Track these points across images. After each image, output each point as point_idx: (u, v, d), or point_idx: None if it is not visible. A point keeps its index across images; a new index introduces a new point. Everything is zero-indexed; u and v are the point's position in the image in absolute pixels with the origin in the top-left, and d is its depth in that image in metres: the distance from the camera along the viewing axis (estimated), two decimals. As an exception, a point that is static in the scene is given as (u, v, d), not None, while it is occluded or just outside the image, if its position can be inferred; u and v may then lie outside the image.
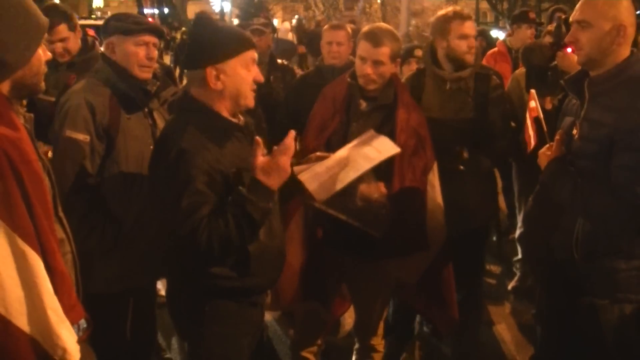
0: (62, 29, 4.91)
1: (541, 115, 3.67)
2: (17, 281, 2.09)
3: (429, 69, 4.52)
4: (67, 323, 2.22)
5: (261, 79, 3.10)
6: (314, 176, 3.31)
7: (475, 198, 4.40)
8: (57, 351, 2.18)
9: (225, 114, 3.06)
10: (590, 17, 3.17)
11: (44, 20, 2.35)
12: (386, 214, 3.60)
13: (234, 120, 3.09)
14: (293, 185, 3.28)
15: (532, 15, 7.59)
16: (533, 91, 3.84)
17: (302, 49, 13.20)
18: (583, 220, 3.17)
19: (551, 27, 6.55)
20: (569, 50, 4.56)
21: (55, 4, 5.12)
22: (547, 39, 6.15)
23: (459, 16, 4.45)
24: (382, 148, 3.55)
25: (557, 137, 3.33)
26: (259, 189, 2.88)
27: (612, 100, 3.13)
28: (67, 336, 2.21)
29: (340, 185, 3.29)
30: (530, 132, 3.87)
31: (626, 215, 3.04)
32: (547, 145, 3.39)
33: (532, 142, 3.85)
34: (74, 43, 4.95)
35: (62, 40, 4.89)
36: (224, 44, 3.02)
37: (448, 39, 4.42)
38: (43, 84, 2.51)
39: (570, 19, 3.32)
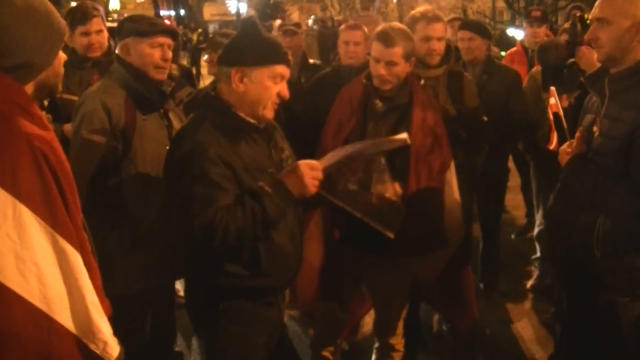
0: (99, 22, 4.96)
1: (561, 112, 3.66)
2: (59, 278, 2.12)
3: None
4: (105, 317, 2.26)
5: (286, 95, 3.13)
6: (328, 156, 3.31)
7: None
8: (99, 345, 2.22)
9: (245, 116, 3.10)
10: (609, 14, 3.16)
11: (64, 23, 2.38)
12: (400, 215, 3.59)
13: (251, 120, 3.11)
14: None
15: (534, 13, 7.54)
16: (553, 88, 3.83)
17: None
18: (604, 217, 3.16)
19: (567, 25, 6.53)
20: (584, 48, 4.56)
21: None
22: (563, 37, 6.14)
23: (425, 17, 4.52)
24: (393, 137, 3.55)
25: (577, 134, 3.32)
26: (280, 189, 2.95)
27: (632, 97, 3.12)
28: (107, 330, 2.26)
29: (343, 153, 3.28)
30: (552, 129, 3.86)
31: None
32: (568, 143, 3.38)
33: (554, 140, 3.84)
34: (105, 39, 4.98)
35: (98, 32, 4.94)
36: (257, 50, 3.08)
37: (414, 39, 4.47)
38: (60, 85, 2.54)
39: (590, 17, 3.31)
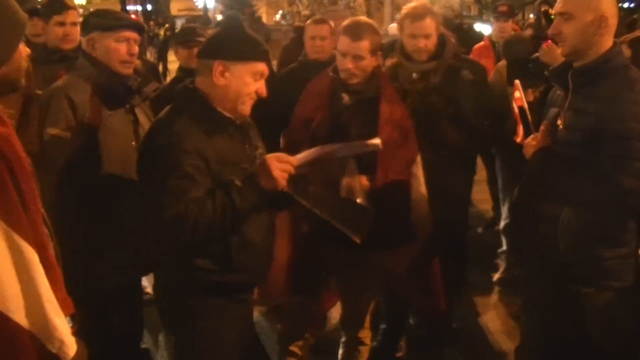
0: (75, 14, 4.93)
1: (526, 106, 3.69)
2: (14, 276, 2.09)
3: (399, 60, 4.63)
4: (63, 316, 2.22)
5: (264, 94, 3.14)
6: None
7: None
8: (55, 343, 2.18)
9: (222, 110, 3.10)
10: (572, 8, 3.19)
11: (24, 15, 2.34)
12: (369, 220, 3.60)
13: (228, 115, 3.12)
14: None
15: (501, 8, 7.61)
16: (517, 82, 3.87)
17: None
18: (568, 208, 3.19)
19: (532, 20, 6.60)
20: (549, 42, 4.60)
21: None
22: (528, 32, 6.19)
23: (411, 15, 4.57)
24: (366, 142, 3.54)
25: (542, 127, 3.35)
26: (250, 183, 2.94)
27: (596, 90, 3.16)
28: (64, 328, 2.22)
29: (315, 153, 3.24)
30: (518, 121, 3.88)
31: (610, 204, 3.07)
32: (532, 136, 3.42)
33: (520, 132, 3.87)
34: (78, 34, 4.95)
35: (73, 24, 4.91)
36: (240, 45, 3.10)
37: (403, 35, 4.58)
38: (23, 80, 2.51)
39: (553, 12, 3.34)
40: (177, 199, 2.85)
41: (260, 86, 3.13)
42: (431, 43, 4.59)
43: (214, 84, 3.07)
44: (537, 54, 4.56)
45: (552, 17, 5.55)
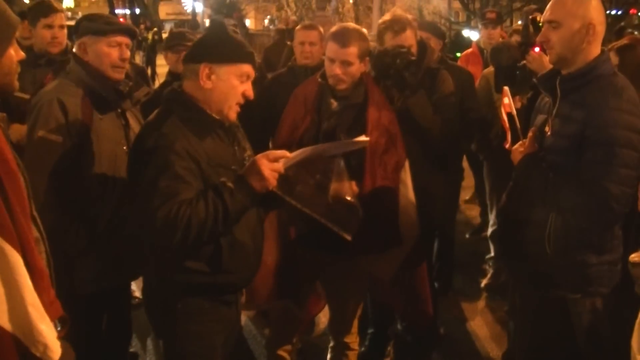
0: (62, 17, 4.90)
1: (514, 112, 3.71)
2: None
3: None
4: (48, 319, 2.21)
5: (251, 95, 3.15)
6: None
7: None
8: (39, 347, 2.18)
9: (208, 111, 3.11)
10: (559, 16, 3.22)
11: (15, 18, 2.34)
12: (358, 217, 3.60)
13: (216, 117, 3.12)
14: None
15: (489, 15, 7.63)
16: (506, 88, 3.89)
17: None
18: (555, 214, 3.21)
19: (518, 26, 6.62)
20: (537, 49, 4.62)
21: None
22: (515, 38, 6.21)
23: (391, 29, 4.56)
24: (354, 140, 3.54)
25: (530, 133, 3.38)
26: (242, 184, 2.95)
27: (582, 97, 3.18)
28: (48, 332, 2.21)
29: (303, 154, 3.22)
30: (506, 125, 3.89)
31: (596, 210, 3.08)
32: (520, 142, 3.44)
33: (509, 139, 3.88)
34: (65, 37, 4.93)
35: (61, 27, 4.89)
36: (225, 48, 3.12)
37: (384, 46, 4.56)
38: (17, 83, 2.50)
39: (541, 20, 3.36)
40: (168, 201, 2.86)
41: (247, 88, 3.14)
42: (412, 52, 4.62)
43: (201, 87, 3.08)
44: (524, 61, 4.58)
45: (540, 24, 5.58)
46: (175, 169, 2.90)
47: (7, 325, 2.11)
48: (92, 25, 3.80)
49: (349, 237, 3.54)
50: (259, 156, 3.01)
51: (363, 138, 3.50)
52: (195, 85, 3.10)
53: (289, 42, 11.48)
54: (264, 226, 3.64)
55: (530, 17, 5.35)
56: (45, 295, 2.22)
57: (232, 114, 3.14)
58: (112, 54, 3.79)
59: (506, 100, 3.83)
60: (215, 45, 3.14)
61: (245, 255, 3.18)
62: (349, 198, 3.51)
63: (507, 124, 3.74)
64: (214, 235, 2.99)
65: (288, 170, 3.10)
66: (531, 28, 4.76)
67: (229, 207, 2.91)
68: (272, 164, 2.98)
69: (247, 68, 3.13)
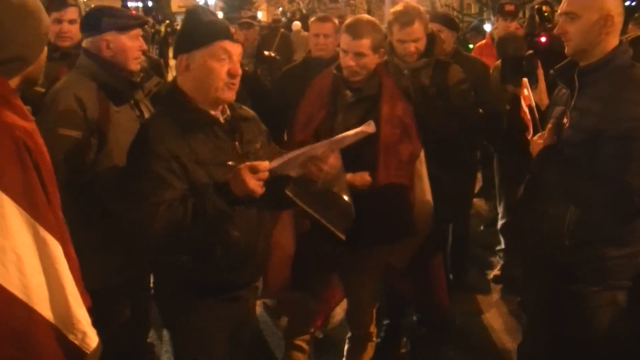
0: (74, 11, 4.88)
1: (533, 104, 3.69)
2: (39, 268, 2.12)
3: (388, 58, 4.65)
4: (84, 308, 2.26)
5: (237, 72, 3.08)
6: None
7: None
8: (78, 335, 2.22)
9: (202, 105, 3.10)
10: (577, 8, 3.20)
11: (47, 16, 2.40)
12: (351, 216, 3.58)
13: (209, 112, 3.12)
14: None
15: (507, 7, 7.61)
16: (525, 80, 3.86)
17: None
18: (573, 208, 3.20)
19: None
20: (543, 39, 4.61)
21: None
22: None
23: (398, 21, 4.61)
24: (348, 137, 3.39)
25: (549, 125, 3.36)
26: (223, 192, 2.91)
27: (600, 89, 3.17)
28: (86, 320, 2.25)
29: (288, 156, 3.14)
30: (528, 117, 3.85)
31: (616, 203, 3.07)
32: (539, 134, 3.43)
33: (531, 130, 3.86)
34: (77, 31, 4.93)
35: (71, 21, 4.85)
36: (194, 34, 3.09)
37: (392, 38, 4.63)
38: (42, 76, 2.54)
39: (558, 11, 3.35)
40: (146, 201, 2.88)
41: (231, 67, 3.05)
42: (421, 45, 4.67)
43: (186, 79, 3.09)
44: (530, 52, 4.55)
45: (545, 14, 5.55)
46: (156, 170, 2.91)
47: (48, 314, 2.15)
48: (115, 21, 3.80)
49: (343, 237, 3.54)
50: (242, 167, 2.89)
51: (364, 128, 3.41)
52: (182, 79, 3.12)
53: (282, 30, 11.65)
54: (283, 217, 3.65)
55: (536, 7, 5.33)
56: (78, 284, 2.26)
57: (225, 94, 3.09)
58: (135, 47, 3.83)
59: (525, 91, 3.80)
60: (185, 34, 3.15)
61: (242, 253, 3.17)
62: (345, 197, 3.50)
63: (528, 116, 3.71)
64: (194, 238, 2.99)
65: (274, 172, 3.02)
66: (537, 18, 4.74)
67: (208, 213, 2.89)
68: (257, 175, 2.88)
69: (223, 45, 3.03)
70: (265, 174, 2.91)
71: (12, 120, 2.11)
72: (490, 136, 6.10)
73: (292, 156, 3.12)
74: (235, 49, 3.09)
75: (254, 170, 2.87)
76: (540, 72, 4.11)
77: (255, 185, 2.87)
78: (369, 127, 3.38)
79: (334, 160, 3.36)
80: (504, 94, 4.92)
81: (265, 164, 2.92)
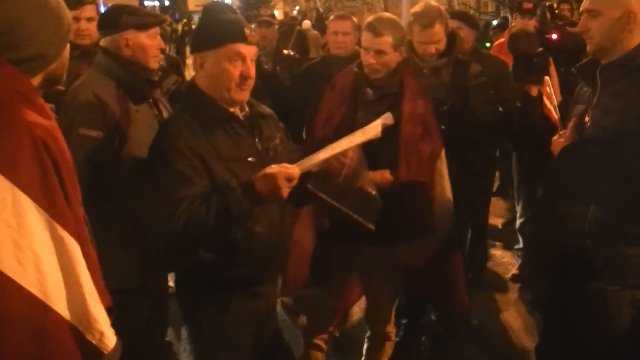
0: (91, 9, 4.88)
1: (555, 102, 3.67)
2: (57, 267, 2.11)
3: (408, 56, 4.61)
4: (102, 307, 2.24)
5: (250, 74, 3.08)
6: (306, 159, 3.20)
7: None
8: (95, 334, 2.21)
9: (221, 102, 3.11)
10: (599, 5, 3.19)
11: (70, 15, 2.40)
12: (377, 207, 3.58)
13: (229, 109, 3.13)
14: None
15: (526, 5, 7.58)
16: (547, 78, 3.84)
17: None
18: (595, 206, 3.19)
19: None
20: (554, 37, 4.58)
21: None
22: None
23: (419, 23, 4.61)
24: (368, 130, 3.37)
25: (570, 124, 3.34)
26: (248, 191, 2.89)
27: (622, 87, 3.15)
28: (104, 320, 2.24)
29: (316, 159, 3.12)
30: (555, 116, 3.82)
31: (635, 202, 3.05)
32: (561, 132, 3.41)
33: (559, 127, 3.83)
34: (94, 29, 4.94)
35: (89, 19, 4.84)
36: (211, 33, 3.10)
37: (412, 39, 4.62)
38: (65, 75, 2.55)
39: (580, 9, 3.33)
40: (167, 198, 2.89)
41: (244, 68, 3.05)
42: (441, 45, 4.67)
43: (201, 77, 3.12)
44: (541, 49, 4.52)
45: (557, 11, 5.51)
46: (178, 167, 2.92)
47: (65, 313, 2.13)
48: (135, 20, 3.79)
49: (372, 227, 3.54)
50: (279, 173, 2.85)
51: (381, 120, 3.36)
52: (198, 76, 3.15)
53: (298, 27, 11.68)
54: (302, 214, 3.65)
55: (547, 4, 5.31)
56: (97, 283, 2.25)
57: (238, 95, 3.09)
58: (154, 45, 3.83)
59: (548, 89, 3.78)
60: (202, 33, 3.17)
61: (264, 249, 3.17)
62: (370, 189, 3.50)
63: (554, 115, 3.68)
64: (217, 235, 2.98)
65: (306, 169, 3.03)
66: (548, 15, 4.71)
67: (232, 213, 2.88)
68: (291, 183, 2.87)
69: (236, 48, 3.03)
70: (296, 180, 2.92)
71: (33, 119, 2.11)
72: (510, 133, 6.08)
73: (319, 158, 3.12)
74: (249, 51, 3.08)
75: (290, 179, 2.87)
76: (553, 69, 4.08)
77: (287, 192, 2.88)
78: (387, 119, 3.37)
79: (353, 154, 3.36)
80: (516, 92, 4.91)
81: (297, 171, 2.91)
